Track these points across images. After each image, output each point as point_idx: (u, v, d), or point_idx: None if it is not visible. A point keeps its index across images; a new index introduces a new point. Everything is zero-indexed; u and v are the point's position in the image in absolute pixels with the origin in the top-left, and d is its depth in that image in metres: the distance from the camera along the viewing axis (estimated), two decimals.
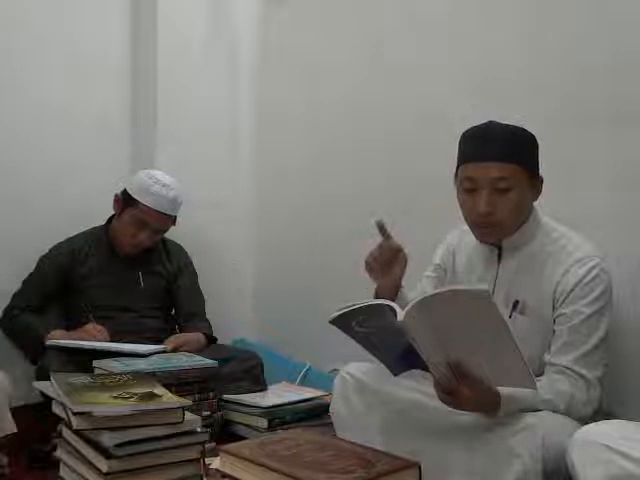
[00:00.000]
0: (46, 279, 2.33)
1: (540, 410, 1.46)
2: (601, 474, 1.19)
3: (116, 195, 2.36)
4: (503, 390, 1.40)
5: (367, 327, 1.42)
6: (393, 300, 1.51)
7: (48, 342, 2.11)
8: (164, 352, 2.18)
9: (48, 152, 2.44)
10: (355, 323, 1.42)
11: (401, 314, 1.32)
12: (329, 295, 2.59)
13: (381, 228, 1.64)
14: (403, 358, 1.45)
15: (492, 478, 1.41)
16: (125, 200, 2.33)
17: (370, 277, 1.69)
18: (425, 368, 1.41)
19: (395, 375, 1.53)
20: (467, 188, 1.60)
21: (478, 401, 1.39)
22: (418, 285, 1.84)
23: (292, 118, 2.78)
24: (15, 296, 2.31)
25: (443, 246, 1.85)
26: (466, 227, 1.77)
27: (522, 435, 1.39)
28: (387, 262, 1.66)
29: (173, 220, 2.39)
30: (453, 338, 1.30)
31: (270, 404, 2.14)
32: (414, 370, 1.52)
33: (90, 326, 2.20)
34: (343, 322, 1.43)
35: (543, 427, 1.38)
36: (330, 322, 1.44)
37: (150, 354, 2.11)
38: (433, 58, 2.29)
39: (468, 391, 1.36)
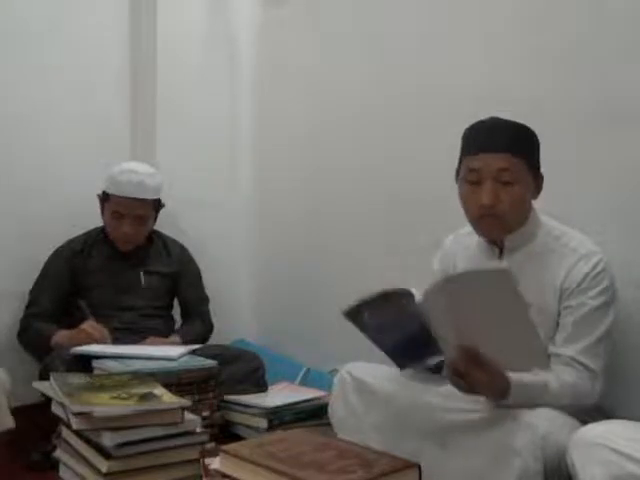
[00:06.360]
0: (60, 281, 2.33)
1: (546, 402, 1.46)
2: (601, 474, 1.19)
3: (98, 195, 2.39)
4: (513, 376, 1.42)
5: (378, 318, 1.43)
6: None
7: (74, 350, 2.02)
8: (194, 352, 2.17)
9: (49, 154, 2.45)
10: (367, 315, 1.43)
11: (419, 297, 1.35)
12: (329, 295, 2.59)
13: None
14: (412, 349, 1.46)
15: (493, 478, 1.41)
16: (104, 197, 2.37)
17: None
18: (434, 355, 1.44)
19: (401, 369, 1.53)
20: (471, 180, 1.60)
21: (489, 385, 1.40)
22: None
23: (292, 119, 2.78)
24: (28, 307, 2.31)
25: (441, 252, 1.84)
26: (462, 231, 1.77)
27: (522, 434, 1.39)
28: None
29: (156, 206, 2.40)
30: (469, 319, 1.32)
31: (270, 405, 2.13)
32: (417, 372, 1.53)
33: (87, 325, 2.18)
34: (355, 314, 1.43)
35: (543, 426, 1.38)
36: (343, 314, 1.43)
37: (181, 356, 2.08)
38: (434, 61, 2.28)
39: (480, 374, 1.38)
